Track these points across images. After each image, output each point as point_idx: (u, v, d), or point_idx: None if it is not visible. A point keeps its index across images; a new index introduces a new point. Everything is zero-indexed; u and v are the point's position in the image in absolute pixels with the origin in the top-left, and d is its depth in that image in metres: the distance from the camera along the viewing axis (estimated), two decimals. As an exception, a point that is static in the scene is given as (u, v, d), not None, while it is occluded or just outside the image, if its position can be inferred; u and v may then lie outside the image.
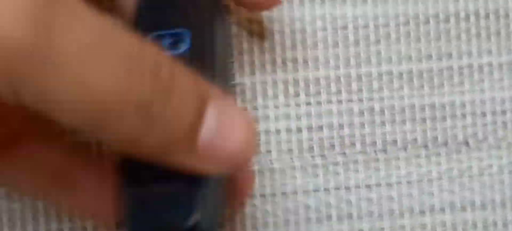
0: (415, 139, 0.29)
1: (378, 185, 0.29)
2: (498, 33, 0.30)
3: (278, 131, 0.29)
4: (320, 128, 0.29)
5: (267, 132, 0.28)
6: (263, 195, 0.28)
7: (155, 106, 0.18)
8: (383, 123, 0.29)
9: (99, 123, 0.18)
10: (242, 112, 0.20)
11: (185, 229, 0.19)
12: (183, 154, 0.19)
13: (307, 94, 0.29)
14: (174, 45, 0.21)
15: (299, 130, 0.29)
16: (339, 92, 0.29)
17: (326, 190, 0.29)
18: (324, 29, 0.29)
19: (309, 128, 0.29)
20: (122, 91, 0.17)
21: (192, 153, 0.19)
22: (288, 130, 0.29)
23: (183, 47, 0.21)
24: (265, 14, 0.28)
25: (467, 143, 0.29)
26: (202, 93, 0.19)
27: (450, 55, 0.30)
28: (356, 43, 0.29)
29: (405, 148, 0.29)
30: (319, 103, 0.29)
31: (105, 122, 0.18)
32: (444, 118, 0.29)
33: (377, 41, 0.29)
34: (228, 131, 0.20)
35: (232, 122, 0.20)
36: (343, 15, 0.29)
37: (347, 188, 0.29)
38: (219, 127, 0.19)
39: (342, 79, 0.29)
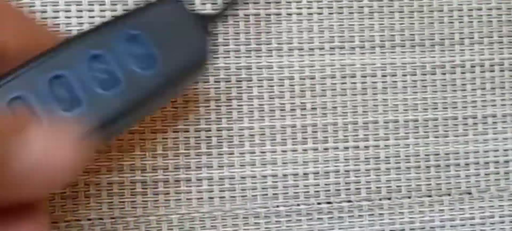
0: (419, 187, 0.30)
1: (382, 232, 0.29)
2: (502, 86, 0.30)
3: (285, 176, 0.29)
4: (327, 174, 0.29)
5: (274, 176, 0.29)
6: (269, 239, 0.29)
7: None
8: (388, 171, 0.30)
9: None
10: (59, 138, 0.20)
11: None
12: None
13: (314, 141, 0.29)
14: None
15: (306, 175, 0.29)
16: (346, 139, 0.29)
17: (331, 235, 0.29)
18: (333, 76, 0.29)
19: (316, 174, 0.29)
20: None
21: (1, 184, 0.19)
22: (295, 175, 0.29)
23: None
24: (275, 61, 0.29)
25: (469, 193, 0.30)
26: (10, 128, 0.19)
27: (455, 106, 0.30)
28: (364, 91, 0.30)
29: (409, 196, 0.30)
30: (326, 149, 0.29)
31: None
32: (448, 167, 0.30)
33: (384, 90, 0.30)
34: (47, 158, 0.19)
35: (50, 150, 0.19)
36: (352, 64, 0.29)
37: (352, 234, 0.29)
38: (33, 156, 0.19)
39: (349, 126, 0.29)
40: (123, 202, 0.28)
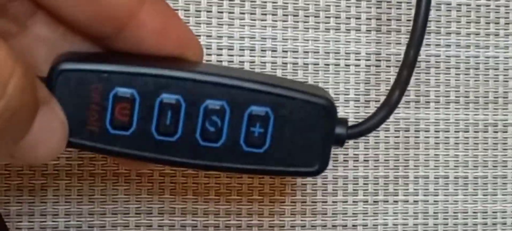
0: (466, 244, 0.30)
1: None
2: (553, 147, 0.30)
3: (334, 227, 0.29)
4: (375, 227, 0.29)
5: (323, 226, 0.29)
6: None
7: None
8: (435, 226, 0.30)
9: None
10: (61, 120, 0.19)
11: None
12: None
13: (365, 193, 0.29)
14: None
15: (355, 227, 0.29)
16: (396, 192, 0.29)
17: None
18: (387, 129, 0.29)
19: (365, 226, 0.29)
20: None
21: (4, 156, 0.19)
22: (344, 226, 0.29)
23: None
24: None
25: (515, 252, 0.30)
26: (36, 103, 0.18)
27: (505, 164, 0.30)
28: (416, 145, 0.29)
29: (455, 252, 0.30)
30: (376, 202, 0.29)
31: None
32: (495, 226, 0.30)
33: (436, 146, 0.30)
34: (44, 139, 0.19)
35: (51, 131, 0.19)
36: (406, 117, 0.29)
37: None
38: (37, 137, 0.18)
39: (400, 180, 0.29)
40: (172, 245, 0.28)
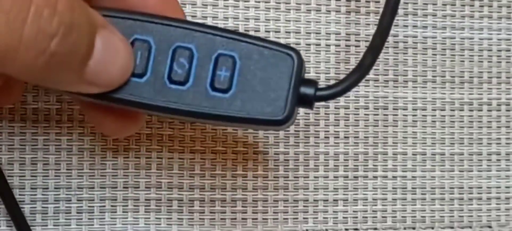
0: (443, 219, 0.31)
1: (406, 260, 0.30)
2: (526, 125, 0.32)
3: (315, 201, 0.30)
4: (355, 201, 0.30)
5: (305, 201, 0.30)
6: (298, 262, 0.30)
7: (54, 41, 0.19)
8: (414, 201, 0.31)
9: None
10: (123, 40, 0.21)
11: None
12: (71, 83, 0.21)
13: (345, 168, 0.30)
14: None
15: (336, 202, 0.30)
16: (375, 168, 0.30)
17: (357, 261, 0.30)
18: (366, 107, 0.30)
19: (345, 201, 0.30)
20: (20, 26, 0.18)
21: (79, 82, 0.20)
22: (325, 201, 0.30)
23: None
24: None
25: (490, 226, 0.31)
26: (93, 23, 0.20)
27: (480, 142, 0.31)
28: (395, 123, 0.31)
29: (432, 227, 0.31)
30: (356, 177, 0.30)
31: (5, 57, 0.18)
32: (470, 201, 0.31)
33: (414, 123, 0.31)
34: (111, 58, 0.21)
35: (115, 50, 0.21)
36: (385, 96, 0.30)
37: (377, 261, 0.30)
38: (104, 56, 0.20)
39: (379, 156, 0.30)
40: (159, 218, 0.29)
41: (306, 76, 0.23)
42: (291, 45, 0.23)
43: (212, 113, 0.22)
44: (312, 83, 0.22)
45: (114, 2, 0.22)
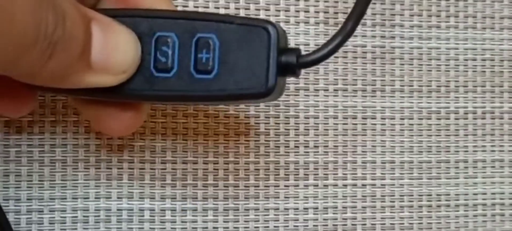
0: (411, 226, 0.31)
1: (376, 267, 0.31)
2: (492, 133, 0.32)
3: (286, 210, 0.30)
4: (325, 209, 0.31)
5: (276, 210, 0.30)
6: (269, 270, 0.30)
7: (56, 32, 0.19)
8: (383, 209, 0.31)
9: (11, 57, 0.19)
10: (122, 26, 0.22)
11: None
12: (80, 74, 0.21)
13: (315, 177, 0.31)
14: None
15: (306, 210, 0.31)
16: (345, 177, 0.31)
17: (328, 269, 0.31)
18: (335, 117, 0.31)
19: (315, 209, 0.31)
20: (37, 23, 0.18)
21: (87, 71, 0.21)
22: (296, 210, 0.31)
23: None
24: (282, 100, 0.30)
25: (458, 233, 0.32)
26: (84, 14, 0.21)
27: (448, 150, 0.32)
28: (363, 132, 0.31)
29: (401, 233, 0.31)
30: (326, 186, 0.31)
31: (17, 56, 0.19)
32: (439, 208, 0.32)
33: (383, 132, 0.31)
34: (114, 42, 0.21)
35: (116, 35, 0.21)
36: (354, 105, 0.31)
37: (347, 268, 0.31)
38: (105, 41, 0.21)
39: (348, 165, 0.31)
40: (131, 228, 0.29)
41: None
42: (269, 19, 0.23)
43: (199, 95, 0.22)
44: (294, 50, 0.23)
45: (114, 2, 0.24)
